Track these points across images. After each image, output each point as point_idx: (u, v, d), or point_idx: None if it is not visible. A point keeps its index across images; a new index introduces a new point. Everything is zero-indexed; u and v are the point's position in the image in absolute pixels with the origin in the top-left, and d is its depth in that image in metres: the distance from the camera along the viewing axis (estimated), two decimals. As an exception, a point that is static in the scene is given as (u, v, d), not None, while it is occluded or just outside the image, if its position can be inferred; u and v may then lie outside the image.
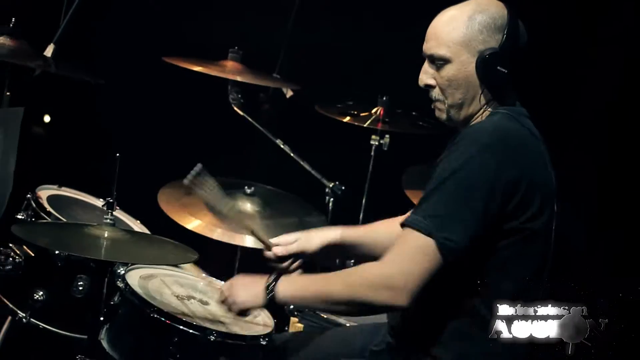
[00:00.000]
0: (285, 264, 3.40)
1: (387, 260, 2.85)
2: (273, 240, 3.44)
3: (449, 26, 2.97)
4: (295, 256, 3.39)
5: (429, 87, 3.03)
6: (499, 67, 2.92)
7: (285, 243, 3.41)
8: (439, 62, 2.98)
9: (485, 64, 2.92)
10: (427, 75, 3.03)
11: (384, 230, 3.37)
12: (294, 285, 3.05)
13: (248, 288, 3.12)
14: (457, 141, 2.87)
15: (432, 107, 3.07)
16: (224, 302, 3.19)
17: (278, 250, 3.39)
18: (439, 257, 2.76)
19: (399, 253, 2.83)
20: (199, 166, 3.29)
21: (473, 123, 3.00)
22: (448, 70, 2.98)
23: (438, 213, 2.79)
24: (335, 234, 3.39)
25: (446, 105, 3.02)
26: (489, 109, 2.98)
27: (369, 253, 3.38)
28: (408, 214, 2.93)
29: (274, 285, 3.04)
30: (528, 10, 3.08)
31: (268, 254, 3.41)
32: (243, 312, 3.17)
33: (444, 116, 3.04)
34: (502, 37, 2.92)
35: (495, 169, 2.79)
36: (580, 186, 4.85)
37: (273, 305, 3.08)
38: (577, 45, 5.06)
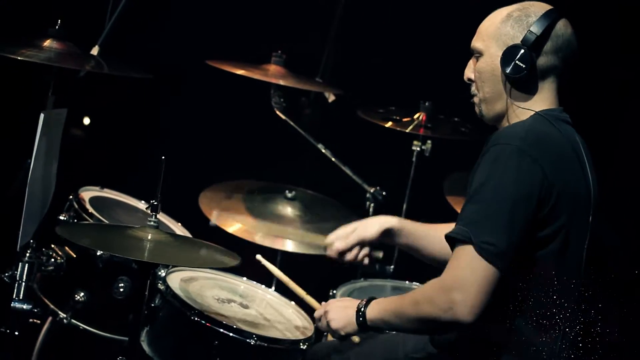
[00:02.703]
0: (350, 256, 3.38)
1: (444, 274, 2.81)
2: (330, 236, 3.42)
3: (489, 21, 3.01)
4: (356, 246, 3.37)
5: (470, 81, 3.05)
6: (517, 61, 2.89)
7: (343, 235, 3.39)
8: (476, 55, 3.02)
9: (504, 56, 2.91)
10: (469, 70, 3.06)
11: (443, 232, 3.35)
12: (377, 308, 3.00)
13: (342, 313, 3.07)
14: (490, 145, 2.85)
15: (471, 101, 3.08)
16: (320, 321, 3.16)
17: (338, 245, 3.37)
18: (485, 263, 2.71)
19: (452, 266, 2.79)
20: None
21: (505, 125, 2.99)
22: (480, 63, 3.00)
23: (475, 220, 2.76)
24: (394, 220, 3.38)
25: (479, 100, 3.03)
26: (523, 111, 2.94)
27: (425, 248, 3.38)
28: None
29: (364, 310, 3.01)
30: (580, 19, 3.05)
31: (329, 252, 3.40)
32: (342, 337, 3.11)
33: (477, 111, 3.06)
34: (526, 33, 2.91)
35: (528, 174, 2.76)
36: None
37: (366, 329, 3.03)
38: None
